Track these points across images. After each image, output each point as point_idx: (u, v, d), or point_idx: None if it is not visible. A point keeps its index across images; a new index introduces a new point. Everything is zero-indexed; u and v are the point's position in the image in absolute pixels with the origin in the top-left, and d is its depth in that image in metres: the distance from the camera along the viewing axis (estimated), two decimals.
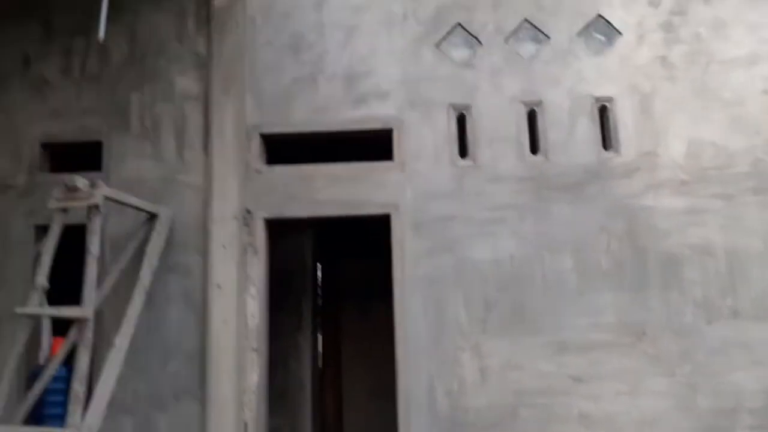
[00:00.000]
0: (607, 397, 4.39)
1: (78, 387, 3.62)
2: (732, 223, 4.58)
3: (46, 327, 4.91)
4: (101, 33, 4.00)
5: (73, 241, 4.48)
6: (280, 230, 5.32)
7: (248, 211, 4.94)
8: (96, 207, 3.94)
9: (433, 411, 4.50)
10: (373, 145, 5.12)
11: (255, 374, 4.67)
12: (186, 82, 5.10)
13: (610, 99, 4.89)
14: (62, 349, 4.20)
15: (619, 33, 4.96)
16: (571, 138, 4.86)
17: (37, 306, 3.90)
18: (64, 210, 3.97)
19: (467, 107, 4.98)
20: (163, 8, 5.18)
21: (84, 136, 5.10)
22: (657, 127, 4.81)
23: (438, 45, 5.08)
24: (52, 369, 4.20)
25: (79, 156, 5.17)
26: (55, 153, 5.24)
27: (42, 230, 4.76)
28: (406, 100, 5.02)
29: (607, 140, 4.87)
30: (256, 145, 5.04)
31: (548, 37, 4.99)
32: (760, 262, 4.50)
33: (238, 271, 4.76)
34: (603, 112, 4.91)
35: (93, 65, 5.14)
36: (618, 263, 4.60)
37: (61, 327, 4.35)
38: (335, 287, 8.33)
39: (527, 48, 5.02)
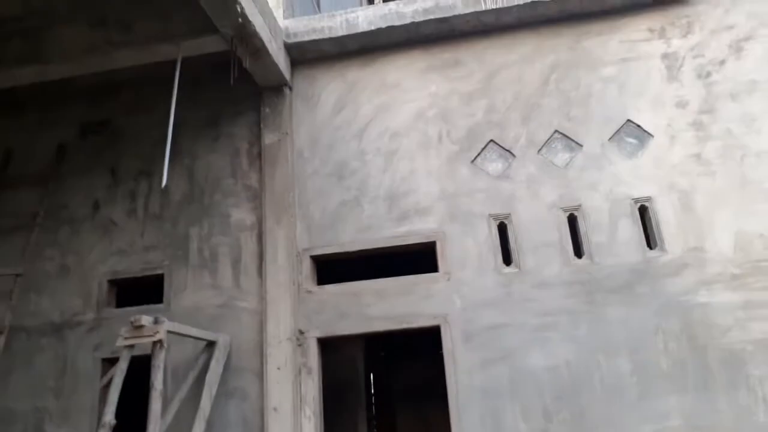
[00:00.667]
0: None
1: None
2: None
3: None
4: (164, 181, 4.41)
5: (137, 369, 4.68)
6: (330, 344, 5.43)
7: (301, 332, 5.08)
8: (160, 342, 4.17)
9: None
10: (419, 257, 5.28)
11: None
12: (241, 214, 5.47)
13: (648, 199, 4.96)
14: None
15: (651, 135, 5.12)
16: (614, 239, 4.91)
17: None
18: (131, 347, 4.20)
19: (507, 216, 5.13)
20: (218, 149, 5.67)
21: (147, 271, 5.45)
22: (701, 223, 4.82)
23: (473, 161, 5.34)
24: None
25: (143, 289, 5.51)
26: (120, 288, 5.60)
27: (108, 363, 5.01)
28: (447, 213, 5.22)
29: (650, 239, 4.89)
30: (306, 268, 5.28)
31: (580, 145, 5.19)
32: None
33: (293, 392, 4.83)
34: (643, 212, 4.97)
35: (155, 205, 5.59)
36: (678, 364, 4.46)
37: None
38: (389, 393, 8.24)
39: (561, 157, 5.21)
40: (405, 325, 5.02)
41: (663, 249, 4.82)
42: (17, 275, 5.35)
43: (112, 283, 5.52)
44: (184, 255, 5.41)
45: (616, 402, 4.47)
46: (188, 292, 5.34)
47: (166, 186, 5.44)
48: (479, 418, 4.62)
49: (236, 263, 5.35)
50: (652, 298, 4.70)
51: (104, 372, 5.01)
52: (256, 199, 5.49)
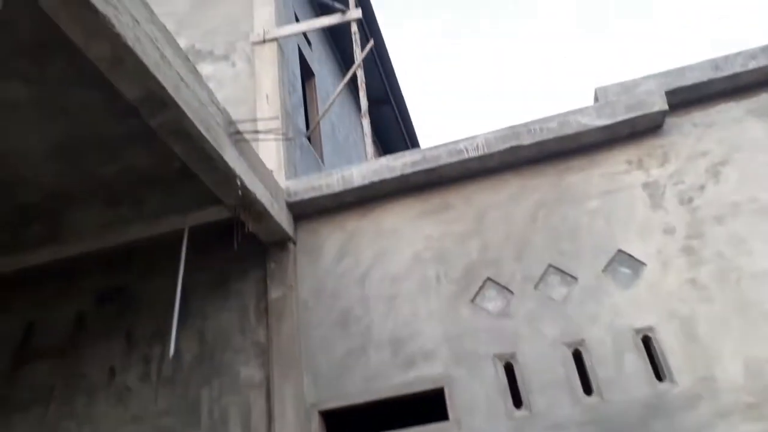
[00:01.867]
0: None
1: None
2: None
3: None
4: (171, 350, 4.59)
5: None
6: None
7: None
8: None
9: None
10: (428, 402, 5.23)
11: None
12: (249, 372, 5.56)
13: (650, 328, 4.95)
14: None
15: (643, 263, 5.20)
16: (621, 373, 4.84)
17: None
18: None
19: (512, 355, 5.13)
20: (227, 308, 5.88)
21: None
22: (707, 351, 4.76)
23: (473, 300, 5.43)
24: None
25: None
26: None
27: None
28: (452, 356, 5.24)
29: (658, 371, 4.81)
30: (315, 424, 5.25)
31: (575, 278, 5.28)
32: None
33: None
34: (647, 342, 4.93)
35: (168, 369, 5.72)
36: None
37: None
38: None
39: (558, 291, 5.29)
40: None
41: (673, 380, 4.73)
42: None
43: None
44: (196, 419, 5.44)
45: None
46: None
47: (177, 349, 5.64)
48: None
49: (246, 424, 5.36)
50: None
51: None
52: (264, 354, 5.59)
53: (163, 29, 4.18)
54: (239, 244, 5.43)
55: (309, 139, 8.14)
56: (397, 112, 11.80)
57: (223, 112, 4.99)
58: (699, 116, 5.65)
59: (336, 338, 5.57)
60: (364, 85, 7.51)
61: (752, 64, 5.53)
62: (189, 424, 5.44)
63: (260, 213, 5.47)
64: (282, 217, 5.85)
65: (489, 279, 5.48)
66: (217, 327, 5.82)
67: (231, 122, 5.06)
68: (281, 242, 6.00)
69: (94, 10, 3.35)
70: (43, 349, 6.02)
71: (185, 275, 5.17)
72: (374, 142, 7.90)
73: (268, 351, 5.58)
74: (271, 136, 5.70)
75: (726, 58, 5.62)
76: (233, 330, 5.78)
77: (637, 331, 4.95)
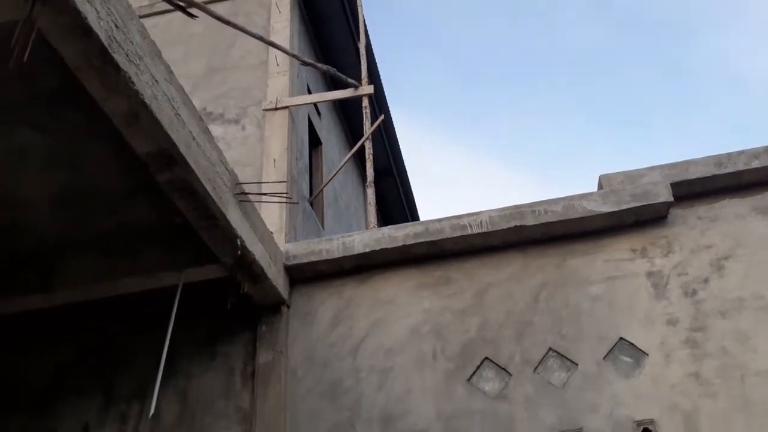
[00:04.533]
0: None
1: None
2: None
3: None
4: (152, 410, 4.38)
5: None
6: None
7: None
8: None
9: None
10: None
11: None
12: None
13: (651, 421, 4.77)
14: None
15: (645, 353, 5.07)
16: None
17: None
18: None
19: None
20: (213, 368, 5.67)
21: None
22: None
23: (469, 379, 5.26)
24: None
25: None
26: None
27: None
28: None
29: None
30: None
31: (576, 364, 5.13)
32: None
33: None
34: None
35: (144, 430, 5.46)
36: None
37: None
38: None
39: (557, 376, 5.13)
40: None
41: None
42: None
43: None
44: None
45: None
46: None
47: (157, 410, 5.39)
48: None
49: None
50: None
51: None
52: (247, 421, 5.34)
53: (180, 90, 4.25)
54: (232, 305, 5.30)
55: (312, 204, 8.16)
56: (399, 185, 11.92)
57: (231, 172, 5.01)
58: (703, 210, 5.67)
59: (323, 410, 5.35)
60: (371, 156, 7.60)
61: (755, 163, 5.61)
62: None
63: (257, 274, 5.37)
64: (279, 280, 5.75)
65: (487, 359, 5.32)
66: (200, 388, 5.59)
67: (237, 183, 5.07)
68: (275, 305, 5.86)
69: (117, 68, 3.41)
70: (17, 402, 5.75)
71: (173, 332, 5.01)
72: (376, 212, 7.92)
73: (252, 418, 5.33)
74: (276, 199, 5.69)
75: (729, 156, 5.71)
76: (217, 393, 5.55)
77: (638, 423, 4.77)
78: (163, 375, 4.83)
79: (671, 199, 5.53)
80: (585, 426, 4.85)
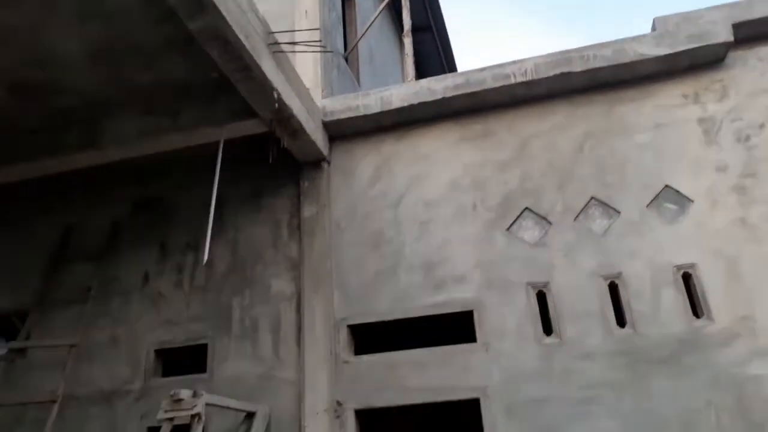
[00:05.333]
0: None
1: None
2: None
3: None
4: (205, 257, 4.62)
5: None
6: (371, 419, 5.38)
7: (339, 403, 5.08)
8: (198, 416, 4.25)
9: None
10: (456, 325, 5.24)
11: None
12: (281, 284, 5.61)
13: (692, 266, 4.82)
14: None
15: (691, 200, 5.01)
16: (658, 308, 4.76)
17: None
18: (171, 419, 4.31)
19: (546, 284, 5.07)
20: (260, 221, 5.89)
21: (191, 341, 5.62)
22: (749, 291, 4.63)
23: (509, 228, 5.34)
24: None
25: (188, 359, 5.66)
26: (167, 358, 5.78)
27: (154, 431, 5.11)
28: (484, 282, 5.20)
29: (696, 308, 4.72)
30: (344, 337, 5.32)
31: (618, 212, 5.12)
32: None
33: None
34: (687, 280, 4.81)
35: (200, 277, 5.82)
36: None
37: None
38: None
39: (598, 223, 5.15)
40: (444, 398, 4.96)
41: (710, 318, 4.63)
42: (71, 346, 5.60)
43: (159, 352, 5.71)
44: (227, 325, 5.56)
45: None
46: (230, 362, 5.46)
47: (210, 259, 5.70)
48: None
49: (276, 333, 5.46)
50: (701, 370, 4.50)
51: None
52: (296, 269, 5.62)
53: None
54: (273, 160, 5.36)
55: (347, 60, 7.92)
56: (437, 39, 11.39)
57: (263, 21, 4.83)
58: (765, 51, 5.29)
59: (367, 258, 5.56)
60: (408, 3, 7.19)
61: None
62: (220, 329, 5.56)
63: (296, 130, 5.37)
64: (317, 136, 5.75)
65: (527, 209, 5.36)
66: (249, 240, 5.85)
67: (270, 33, 4.90)
68: (315, 161, 5.92)
69: None
70: (81, 252, 6.15)
71: (219, 188, 5.15)
72: (413, 68, 7.65)
73: (300, 266, 5.60)
74: (310, 48, 5.51)
75: None
76: (265, 244, 5.80)
77: (678, 267, 4.83)
78: (213, 228, 5.04)
79: (731, 39, 5.16)
80: (624, 271, 4.94)
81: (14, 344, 5.84)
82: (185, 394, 4.31)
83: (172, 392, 4.33)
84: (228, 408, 4.89)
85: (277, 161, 5.42)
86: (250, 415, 5.08)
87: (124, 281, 6.01)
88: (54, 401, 5.34)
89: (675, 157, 5.14)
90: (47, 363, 5.68)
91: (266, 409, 5.13)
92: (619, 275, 4.93)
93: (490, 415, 4.78)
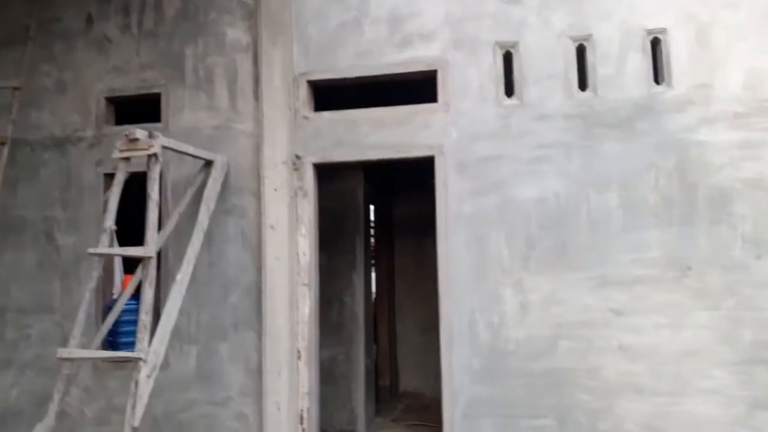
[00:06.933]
0: (649, 329, 4.40)
1: (144, 317, 3.97)
2: None
3: (118, 265, 5.40)
4: None
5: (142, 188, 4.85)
6: (330, 174, 5.53)
7: (297, 157, 5.14)
8: (155, 156, 4.22)
9: (474, 342, 4.67)
10: (419, 87, 5.16)
11: (306, 307, 4.97)
12: (236, 34, 5.28)
13: (663, 31, 4.69)
14: (131, 284, 4.63)
15: None
16: (621, 72, 4.72)
17: (106, 247, 4.26)
18: (127, 159, 4.28)
19: (514, 45, 4.92)
20: None
21: (144, 90, 5.41)
22: (714, 58, 4.59)
23: None
24: (123, 302, 4.64)
25: (141, 108, 5.51)
26: (119, 106, 5.61)
27: (110, 178, 5.12)
28: (451, 40, 5.00)
29: (659, 74, 4.70)
30: (303, 93, 5.20)
31: None
32: None
33: (290, 213, 5.01)
34: (655, 45, 4.73)
35: (149, 21, 5.40)
36: (666, 199, 4.52)
37: (132, 265, 4.77)
38: (388, 226, 8.58)
39: None
40: (401, 155, 5.04)
41: (670, 84, 4.65)
42: (15, 88, 5.32)
43: (110, 100, 5.51)
44: (180, 75, 5.33)
45: (600, 233, 4.60)
46: (185, 112, 5.33)
47: (158, 2, 5.26)
48: (465, 245, 4.80)
49: (232, 85, 5.28)
50: (650, 134, 4.63)
51: (107, 187, 5.17)
52: (252, 18, 5.25)
53: None
54: None
55: None
56: None
57: None
58: None
59: (330, 8, 5.20)
60: None
61: None
62: (173, 79, 5.34)
63: None
64: None
65: None
66: None
67: None
68: None
69: None
70: None
71: None
72: None
73: (257, 14, 5.22)
74: None
75: None
76: None
77: (649, 31, 4.70)
78: None
79: None
80: (595, 33, 4.79)
81: None
82: (141, 134, 4.24)
83: (126, 132, 4.25)
84: (185, 154, 4.89)
85: None
86: (208, 164, 5.12)
87: (65, 22, 5.54)
88: (3, 143, 5.23)
89: None
90: None
91: (224, 159, 5.17)
92: (588, 37, 4.79)
93: (443, 172, 4.93)
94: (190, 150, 4.89)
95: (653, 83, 4.69)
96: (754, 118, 4.47)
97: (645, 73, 4.69)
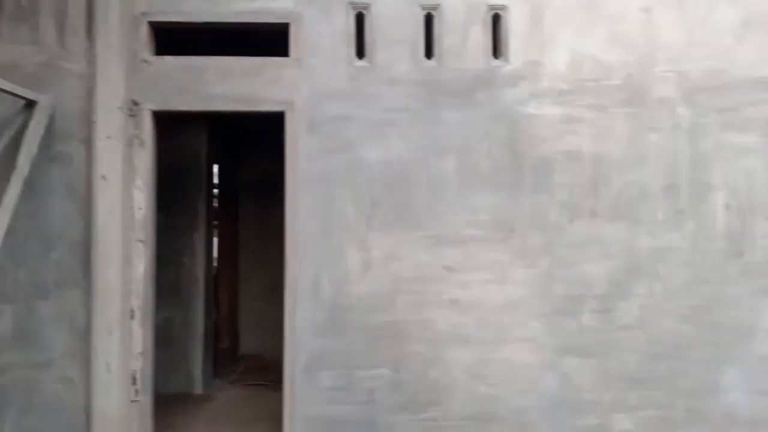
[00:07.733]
0: (477, 285, 4.81)
1: None
2: (601, 132, 4.94)
3: None
4: None
5: None
6: (172, 126, 5.23)
7: (135, 103, 4.80)
8: None
9: (318, 298, 4.77)
10: (275, 42, 5.03)
11: (141, 265, 4.71)
12: None
13: (503, 8, 5.01)
14: None
15: None
16: (465, 45, 4.99)
17: None
18: None
19: (366, 6, 4.96)
20: None
21: None
22: (545, 38, 5.01)
23: None
24: None
25: None
26: None
27: None
28: None
29: (498, 48, 5.03)
30: (144, 34, 4.84)
31: None
32: (618, 168, 4.94)
33: (124, 163, 4.68)
34: (496, 21, 5.04)
35: None
36: (496, 167, 4.90)
37: None
38: (234, 188, 8.36)
39: None
40: (250, 108, 4.90)
41: (507, 59, 4.99)
42: None
43: None
44: None
45: (439, 195, 4.88)
46: (3, 45, 4.72)
47: None
48: (312, 203, 4.84)
49: (61, 19, 4.76)
50: (487, 105, 4.95)
51: None
52: None
53: None
54: None
55: None
56: None
57: None
58: None
59: None
60: None
61: None
62: None
63: None
64: None
65: None
66: None
67: None
68: None
69: None
70: None
71: None
72: None
73: None
74: None
75: None
76: None
77: (491, 7, 5.00)
78: None
79: None
80: (443, 3, 4.98)
81: None
82: None
83: None
84: (2, 91, 4.35)
85: None
86: (30, 104, 4.60)
87: None
88: None
89: None
90: None
91: (50, 100, 4.67)
92: (437, 7, 4.97)
93: (293, 129, 4.89)
94: (9, 87, 4.35)
95: (492, 57, 5.00)
96: (575, 96, 4.97)
97: (485, 47, 4.99)
